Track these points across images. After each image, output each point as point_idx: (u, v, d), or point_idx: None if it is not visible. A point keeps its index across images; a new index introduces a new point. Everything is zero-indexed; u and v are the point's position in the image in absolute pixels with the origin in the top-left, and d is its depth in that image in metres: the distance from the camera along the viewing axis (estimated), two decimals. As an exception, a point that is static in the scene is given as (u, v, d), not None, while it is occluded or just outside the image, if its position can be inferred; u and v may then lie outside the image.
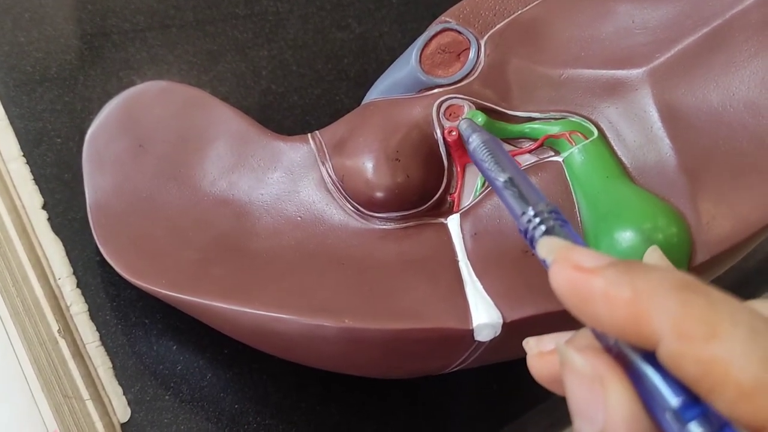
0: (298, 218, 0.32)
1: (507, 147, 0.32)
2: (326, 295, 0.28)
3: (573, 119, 0.31)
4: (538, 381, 0.22)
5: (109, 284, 0.33)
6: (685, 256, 0.27)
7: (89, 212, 0.31)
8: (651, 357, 0.17)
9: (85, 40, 0.38)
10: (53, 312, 0.31)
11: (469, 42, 0.33)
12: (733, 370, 0.15)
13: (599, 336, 0.19)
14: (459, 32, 0.33)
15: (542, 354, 0.22)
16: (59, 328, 0.31)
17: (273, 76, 0.39)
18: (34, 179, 0.34)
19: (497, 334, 0.27)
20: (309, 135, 0.33)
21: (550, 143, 0.31)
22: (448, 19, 0.33)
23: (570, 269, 0.18)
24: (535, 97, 0.32)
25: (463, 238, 0.30)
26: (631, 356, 0.18)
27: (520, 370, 0.35)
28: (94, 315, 0.33)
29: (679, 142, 0.29)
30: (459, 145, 0.31)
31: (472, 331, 0.27)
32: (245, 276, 0.29)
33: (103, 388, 0.31)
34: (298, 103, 0.39)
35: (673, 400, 0.16)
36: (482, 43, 0.33)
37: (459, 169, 0.32)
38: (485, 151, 0.27)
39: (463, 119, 0.31)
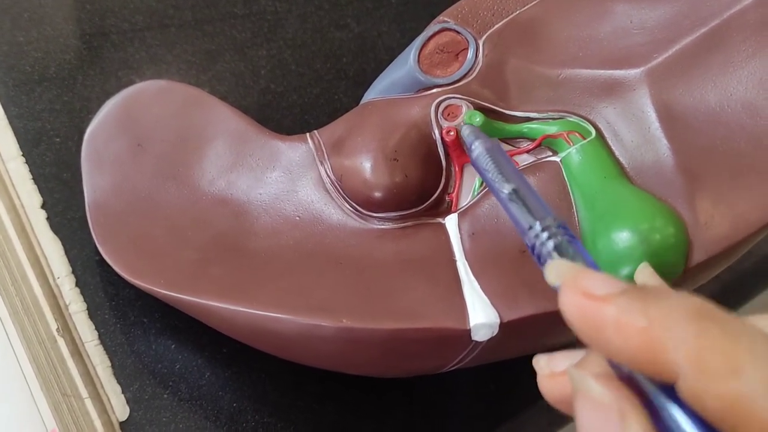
0: (297, 218, 0.32)
1: (505, 147, 0.32)
2: (324, 294, 0.28)
3: (571, 119, 0.31)
4: (548, 401, 0.21)
5: (108, 283, 0.33)
6: (683, 257, 0.27)
7: (88, 211, 0.31)
8: (669, 390, 0.16)
9: (84, 40, 0.38)
10: (52, 311, 0.32)
11: (468, 42, 0.33)
12: (758, 408, 0.15)
13: (613, 363, 0.18)
14: (457, 32, 0.33)
15: (554, 375, 0.21)
16: (58, 327, 0.31)
17: (272, 76, 0.39)
18: (33, 178, 0.34)
19: (494, 333, 0.28)
20: (307, 134, 0.33)
21: (547, 143, 0.31)
22: (446, 18, 0.33)
23: (580, 296, 0.17)
24: (533, 97, 0.32)
25: (461, 237, 0.30)
26: (647, 388, 0.17)
27: (518, 369, 0.35)
28: (92, 314, 0.33)
29: (677, 143, 0.29)
30: (457, 145, 0.31)
31: (469, 331, 0.27)
32: (243, 275, 0.30)
33: (102, 387, 0.32)
34: (296, 102, 0.39)
35: None
36: (480, 43, 0.33)
37: (457, 168, 0.32)
38: (489, 159, 0.26)
39: (465, 125, 0.30)
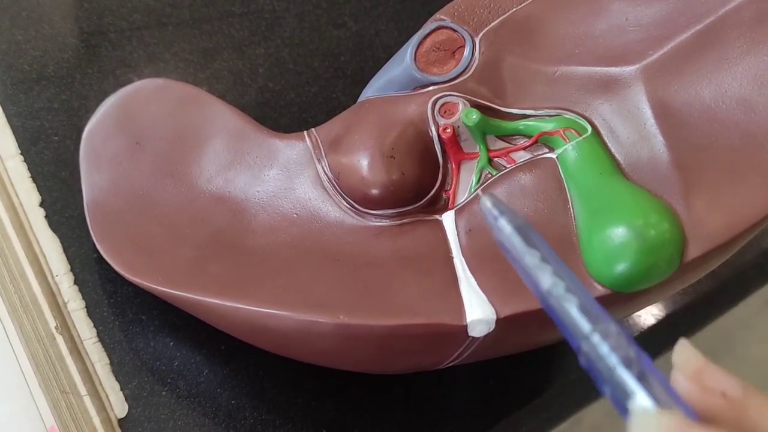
0: (294, 215, 0.32)
1: (501, 144, 0.32)
2: (322, 291, 0.29)
3: (567, 116, 0.31)
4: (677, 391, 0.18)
5: (107, 281, 0.33)
6: (678, 252, 0.27)
7: (86, 210, 0.32)
8: None
9: (82, 39, 0.38)
10: (51, 309, 0.32)
11: (464, 40, 0.33)
12: None
13: None
14: (454, 30, 0.33)
15: (700, 381, 0.18)
16: (57, 325, 0.32)
17: (270, 74, 0.39)
18: (31, 177, 0.34)
19: (491, 329, 0.28)
20: (305, 132, 0.33)
21: (544, 140, 0.31)
22: (443, 17, 0.33)
23: None
24: (529, 94, 0.32)
25: (458, 234, 0.30)
26: None
27: (516, 366, 0.35)
28: (91, 311, 0.33)
29: (672, 139, 0.29)
30: (454, 142, 0.31)
31: (466, 327, 0.27)
32: (241, 273, 0.30)
33: (101, 384, 0.32)
34: (294, 100, 0.39)
35: None
36: (477, 40, 0.33)
37: (454, 166, 0.32)
38: (522, 243, 0.21)
39: (484, 195, 0.23)
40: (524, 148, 0.32)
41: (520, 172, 0.30)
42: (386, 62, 0.35)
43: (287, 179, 0.32)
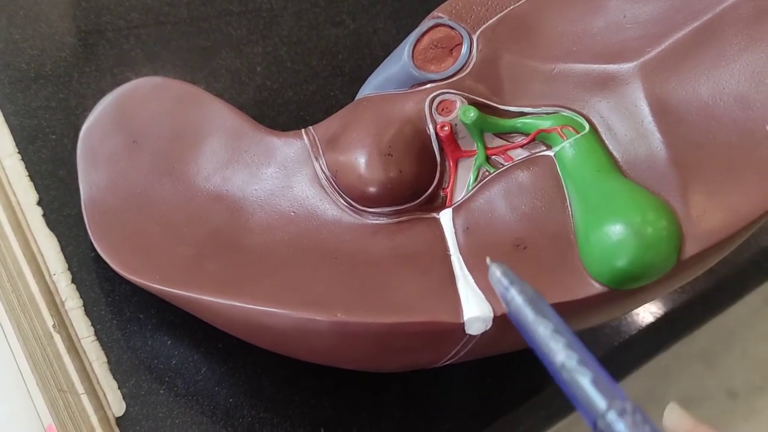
0: (292, 213, 0.32)
1: (499, 141, 0.32)
2: (319, 289, 0.29)
3: (564, 114, 0.31)
4: None
5: (104, 280, 0.33)
6: (675, 250, 0.27)
7: (84, 208, 0.32)
8: None
9: (80, 38, 0.38)
10: (48, 307, 0.32)
11: (462, 37, 0.33)
12: None
13: None
14: (451, 27, 0.33)
15: None
16: (54, 323, 0.31)
17: (267, 72, 0.39)
18: (29, 176, 0.34)
19: (488, 327, 0.28)
20: (302, 130, 0.33)
21: (541, 138, 0.31)
22: (440, 14, 0.33)
23: None
24: (527, 91, 0.32)
25: (455, 232, 0.30)
26: None
27: (514, 364, 0.35)
28: (89, 310, 0.33)
29: (670, 136, 0.29)
30: (451, 139, 0.31)
31: (463, 325, 0.27)
32: (239, 271, 0.30)
33: (98, 383, 0.32)
34: (292, 99, 0.39)
35: None
36: (474, 38, 0.33)
37: (452, 163, 0.32)
38: (535, 315, 0.21)
39: (492, 263, 0.23)
40: (522, 146, 0.32)
41: (517, 169, 0.30)
42: (384, 60, 0.35)
43: (285, 177, 0.32)
